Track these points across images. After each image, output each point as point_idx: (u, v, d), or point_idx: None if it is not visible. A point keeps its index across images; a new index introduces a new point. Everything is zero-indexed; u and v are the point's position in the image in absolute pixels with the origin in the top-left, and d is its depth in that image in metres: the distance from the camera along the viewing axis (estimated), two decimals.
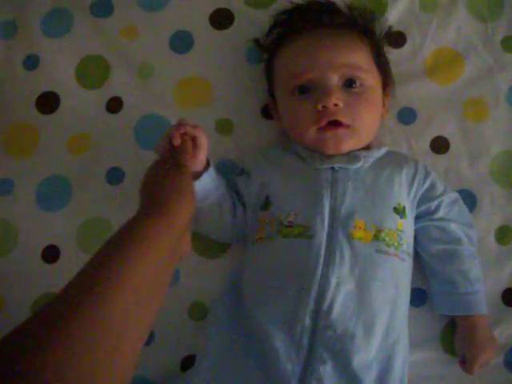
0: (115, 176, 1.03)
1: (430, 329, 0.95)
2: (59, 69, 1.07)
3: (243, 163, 1.01)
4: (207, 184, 0.89)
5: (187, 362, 0.95)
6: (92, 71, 1.07)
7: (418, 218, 0.92)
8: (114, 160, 1.03)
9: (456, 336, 0.92)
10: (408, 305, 0.89)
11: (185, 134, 0.82)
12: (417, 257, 0.94)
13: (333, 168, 0.89)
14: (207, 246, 0.99)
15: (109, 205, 1.02)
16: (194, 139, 0.84)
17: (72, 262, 1.00)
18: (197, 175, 0.87)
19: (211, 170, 0.90)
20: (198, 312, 0.97)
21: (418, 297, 0.95)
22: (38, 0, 1.09)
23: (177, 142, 0.81)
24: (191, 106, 1.05)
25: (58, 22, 1.08)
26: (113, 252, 0.60)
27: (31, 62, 1.07)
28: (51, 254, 1.00)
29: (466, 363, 0.89)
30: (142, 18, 1.08)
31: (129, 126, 1.04)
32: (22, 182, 1.03)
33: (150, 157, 0.99)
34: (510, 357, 0.93)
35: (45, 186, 1.03)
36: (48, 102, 1.06)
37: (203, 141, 0.85)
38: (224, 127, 1.04)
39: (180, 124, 0.83)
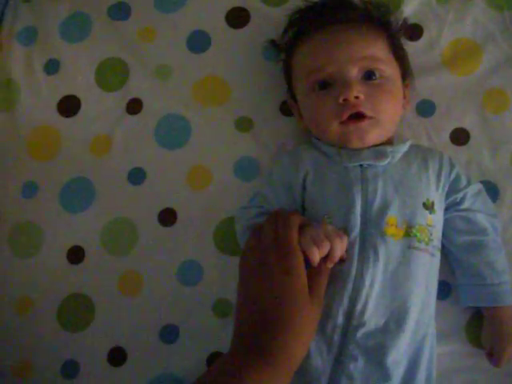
0: (137, 176, 1.04)
1: (456, 321, 0.94)
2: (79, 72, 1.09)
3: (263, 161, 1.03)
4: None
5: (213, 359, 0.96)
6: (111, 74, 1.09)
7: (445, 210, 0.92)
8: (135, 161, 1.05)
9: (483, 328, 0.91)
10: (435, 299, 0.89)
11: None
12: (442, 249, 0.93)
13: (361, 165, 0.89)
14: (229, 242, 1.00)
15: (131, 205, 1.03)
16: None
17: (97, 263, 1.02)
18: None
19: None
20: (223, 308, 0.97)
21: (443, 290, 0.94)
22: (58, 6, 1.12)
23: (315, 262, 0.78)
24: (210, 105, 1.06)
25: (76, 27, 1.11)
26: None
27: (52, 67, 1.10)
28: (76, 255, 1.02)
29: (493, 356, 0.89)
30: (158, 19, 1.10)
31: (149, 126, 1.06)
32: (46, 185, 1.05)
33: (171, 156, 1.04)
34: None
35: (68, 188, 1.04)
36: (69, 106, 1.08)
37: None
38: (243, 125, 1.05)
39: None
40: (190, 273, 0.99)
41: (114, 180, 1.04)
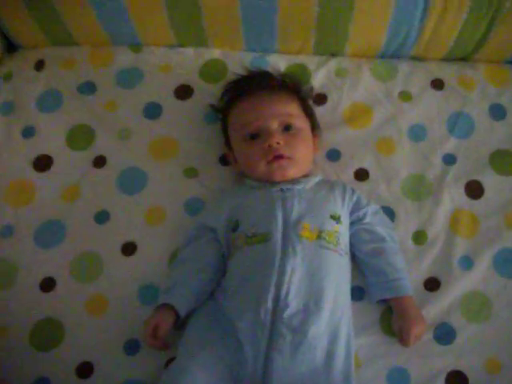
0: (102, 217, 1.24)
1: (371, 317, 1.13)
2: (52, 136, 1.32)
3: (208, 200, 1.26)
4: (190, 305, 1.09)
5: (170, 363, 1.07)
6: (80, 137, 1.32)
7: (351, 224, 1.17)
8: (100, 205, 1.25)
9: (392, 318, 1.11)
10: (349, 292, 1.10)
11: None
12: (355, 258, 1.17)
13: (281, 189, 1.15)
14: None
15: (97, 240, 1.21)
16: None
17: (66, 290, 1.17)
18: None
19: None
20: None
21: (358, 292, 1.15)
22: (33, 83, 1.38)
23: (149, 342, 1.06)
24: (163, 159, 1.31)
25: (50, 100, 1.36)
26: None
27: (28, 132, 1.32)
28: (48, 285, 1.17)
29: (402, 338, 1.08)
30: (120, 94, 1.37)
31: (112, 177, 1.28)
32: (22, 226, 1.22)
33: (131, 200, 1.26)
34: (438, 332, 1.11)
35: (42, 229, 1.22)
36: (43, 162, 1.29)
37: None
38: (190, 172, 1.29)
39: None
40: (149, 293, 1.15)
41: (82, 221, 1.23)
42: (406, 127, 1.34)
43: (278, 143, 1.14)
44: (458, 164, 1.30)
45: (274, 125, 1.17)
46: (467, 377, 1.08)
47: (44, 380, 1.08)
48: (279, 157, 1.15)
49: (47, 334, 1.13)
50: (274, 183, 1.17)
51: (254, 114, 1.19)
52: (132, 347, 1.11)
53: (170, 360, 1.07)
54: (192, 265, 1.13)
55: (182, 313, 1.06)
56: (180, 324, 1.08)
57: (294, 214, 1.10)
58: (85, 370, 1.09)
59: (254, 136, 1.18)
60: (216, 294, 1.10)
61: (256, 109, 1.19)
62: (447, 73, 1.42)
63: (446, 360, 1.09)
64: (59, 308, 1.15)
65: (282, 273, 1.02)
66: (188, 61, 1.42)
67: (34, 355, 1.11)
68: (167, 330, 1.05)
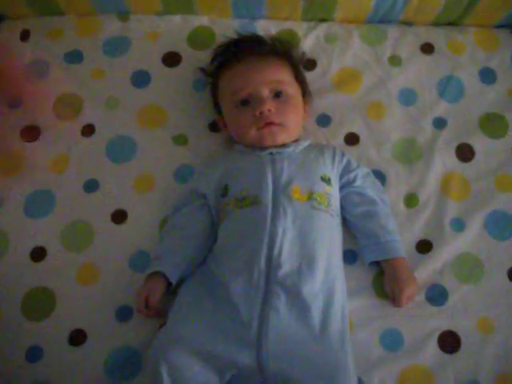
0: (92, 186, 1.23)
1: (364, 280, 1.14)
2: (39, 106, 1.31)
3: (198, 165, 1.25)
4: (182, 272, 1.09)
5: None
6: (67, 106, 1.31)
7: (341, 188, 1.17)
8: (90, 173, 1.24)
9: (385, 279, 1.11)
10: (341, 253, 1.11)
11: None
12: (346, 222, 1.17)
13: (271, 153, 1.15)
14: None
15: (87, 209, 1.21)
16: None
17: (57, 259, 1.16)
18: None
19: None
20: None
21: (351, 256, 1.16)
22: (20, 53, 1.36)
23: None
24: (152, 127, 1.30)
25: (36, 70, 1.34)
26: None
27: (15, 102, 1.30)
28: (39, 254, 1.16)
29: (394, 299, 1.09)
30: (107, 62, 1.36)
31: (101, 145, 1.27)
32: (11, 197, 1.21)
33: (120, 168, 1.25)
34: (430, 293, 1.12)
35: (31, 198, 1.22)
36: (31, 133, 1.28)
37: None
38: (179, 140, 1.28)
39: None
40: (140, 261, 1.15)
41: (71, 190, 1.23)
42: (395, 91, 1.34)
43: (269, 110, 1.14)
44: (448, 127, 1.31)
45: (265, 91, 1.16)
46: (460, 337, 1.09)
47: (37, 349, 1.08)
48: (270, 123, 1.15)
49: (39, 304, 1.13)
50: (263, 148, 1.16)
51: (244, 81, 1.18)
52: (124, 314, 1.11)
53: (162, 326, 1.06)
54: (182, 232, 1.13)
55: (173, 280, 1.06)
56: (172, 291, 1.08)
57: (284, 177, 1.10)
58: (77, 337, 1.09)
59: (245, 102, 1.17)
60: (207, 261, 1.10)
61: (247, 75, 1.18)
62: (437, 37, 1.41)
63: (438, 321, 1.11)
64: (50, 277, 1.15)
65: (273, 234, 1.02)
66: (176, 28, 1.40)
67: (25, 325, 1.11)
68: (159, 299, 1.05)
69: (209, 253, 1.11)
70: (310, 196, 1.08)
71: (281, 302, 0.98)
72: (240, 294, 0.99)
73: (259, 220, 1.04)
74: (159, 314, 1.07)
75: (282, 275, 1.00)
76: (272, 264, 1.00)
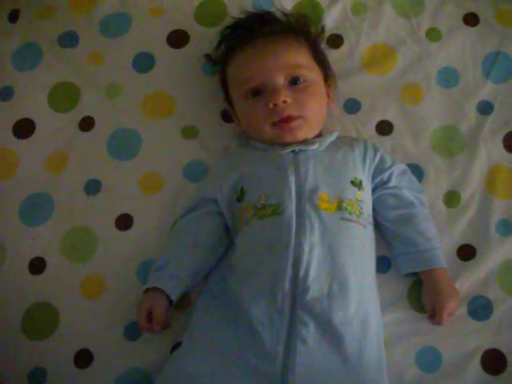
0: (93, 187, 1.12)
1: (398, 291, 1.04)
2: (32, 97, 1.18)
3: (210, 162, 1.12)
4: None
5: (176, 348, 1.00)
6: (63, 96, 1.19)
7: (374, 189, 1.04)
8: (90, 173, 1.13)
9: (423, 292, 1.00)
10: (375, 268, 0.99)
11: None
12: (379, 226, 1.05)
13: (293, 151, 1.01)
14: None
15: (89, 214, 1.11)
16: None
17: (58, 271, 1.07)
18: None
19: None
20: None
21: (384, 264, 1.05)
22: (9, 38, 1.22)
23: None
24: (158, 117, 1.17)
25: (28, 56, 1.21)
26: None
27: (5, 94, 1.18)
28: (38, 266, 1.07)
29: (435, 315, 0.98)
30: (105, 44, 1.22)
31: (102, 141, 1.15)
32: (5, 203, 1.11)
33: (123, 166, 1.13)
34: (473, 306, 1.02)
35: (27, 204, 1.11)
36: (24, 128, 1.16)
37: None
38: (189, 132, 1.16)
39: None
40: (149, 271, 1.03)
41: (71, 192, 1.12)
42: (434, 71, 1.20)
43: (284, 102, 1.00)
44: (495, 113, 1.17)
45: (280, 79, 1.02)
46: (506, 356, 0.99)
47: (40, 371, 1.02)
48: (287, 118, 1.01)
49: (40, 321, 1.05)
50: (283, 144, 1.03)
51: (255, 67, 1.03)
52: (133, 332, 1.03)
53: (176, 346, 1.00)
54: (186, 240, 1.02)
55: (174, 297, 0.96)
56: (178, 302, 0.99)
57: (310, 182, 0.97)
58: (83, 358, 1.02)
59: (256, 93, 1.03)
60: (225, 273, 0.99)
61: (258, 60, 1.04)
62: (482, 6, 1.25)
63: (481, 338, 1.01)
64: (52, 292, 1.07)
65: (298, 252, 0.91)
66: (182, 2, 1.25)
67: (27, 344, 1.04)
68: (162, 313, 0.95)
69: (226, 263, 1.01)
70: (340, 205, 0.96)
71: (309, 332, 0.88)
72: (262, 321, 0.89)
73: (282, 235, 0.92)
74: (166, 325, 0.97)
75: (309, 300, 0.89)
76: (298, 287, 0.89)
